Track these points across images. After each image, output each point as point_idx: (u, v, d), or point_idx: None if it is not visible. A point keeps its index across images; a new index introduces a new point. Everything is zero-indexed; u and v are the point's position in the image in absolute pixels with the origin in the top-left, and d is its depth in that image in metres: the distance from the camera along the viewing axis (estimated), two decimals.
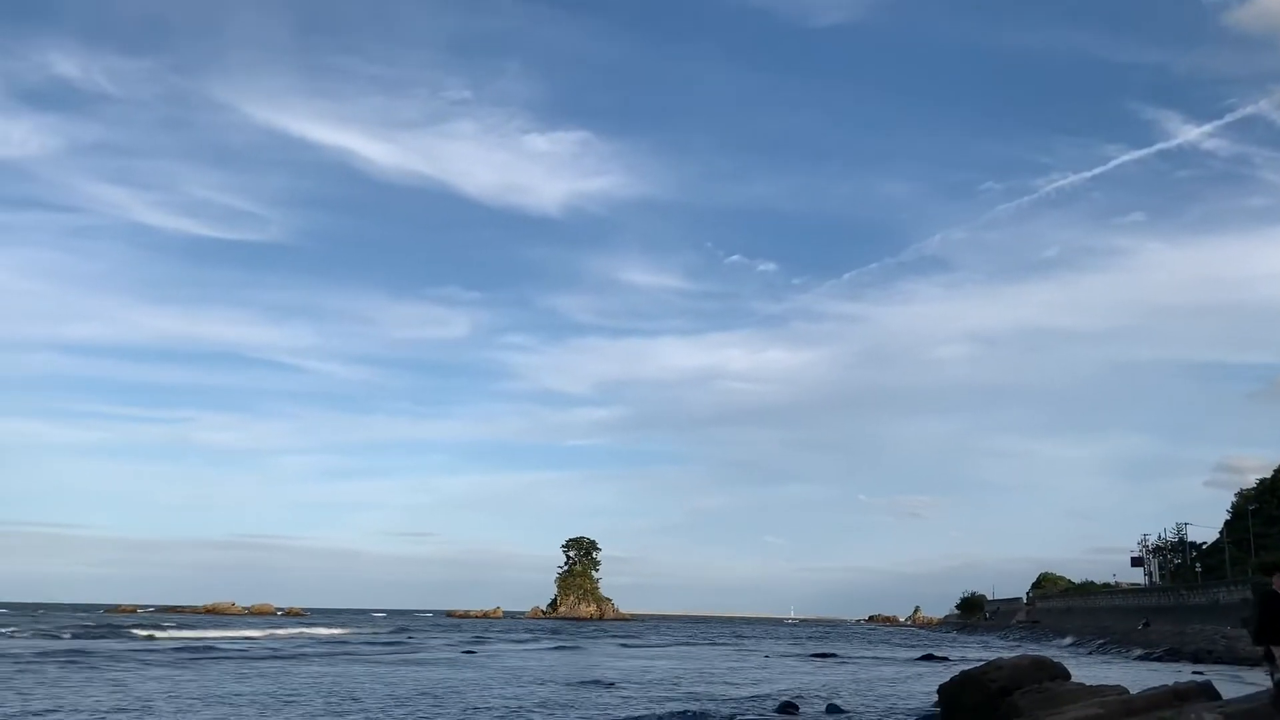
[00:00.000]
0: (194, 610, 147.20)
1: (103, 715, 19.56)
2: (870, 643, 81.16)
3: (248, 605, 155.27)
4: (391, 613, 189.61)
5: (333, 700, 23.10)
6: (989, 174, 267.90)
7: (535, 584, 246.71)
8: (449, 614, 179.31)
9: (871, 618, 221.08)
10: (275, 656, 40.98)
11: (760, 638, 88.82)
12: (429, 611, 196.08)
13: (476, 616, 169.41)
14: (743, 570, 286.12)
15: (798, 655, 53.74)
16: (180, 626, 73.22)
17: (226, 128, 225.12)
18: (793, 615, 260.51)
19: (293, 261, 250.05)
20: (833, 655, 53.37)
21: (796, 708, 22.76)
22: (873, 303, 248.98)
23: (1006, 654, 27.34)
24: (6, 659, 35.46)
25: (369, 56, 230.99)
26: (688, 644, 68.88)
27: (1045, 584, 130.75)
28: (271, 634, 66.67)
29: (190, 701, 22.19)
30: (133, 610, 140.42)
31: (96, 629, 64.91)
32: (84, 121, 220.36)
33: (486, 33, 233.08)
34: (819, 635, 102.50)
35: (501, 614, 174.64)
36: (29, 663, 33.84)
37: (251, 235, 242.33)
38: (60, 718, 19.18)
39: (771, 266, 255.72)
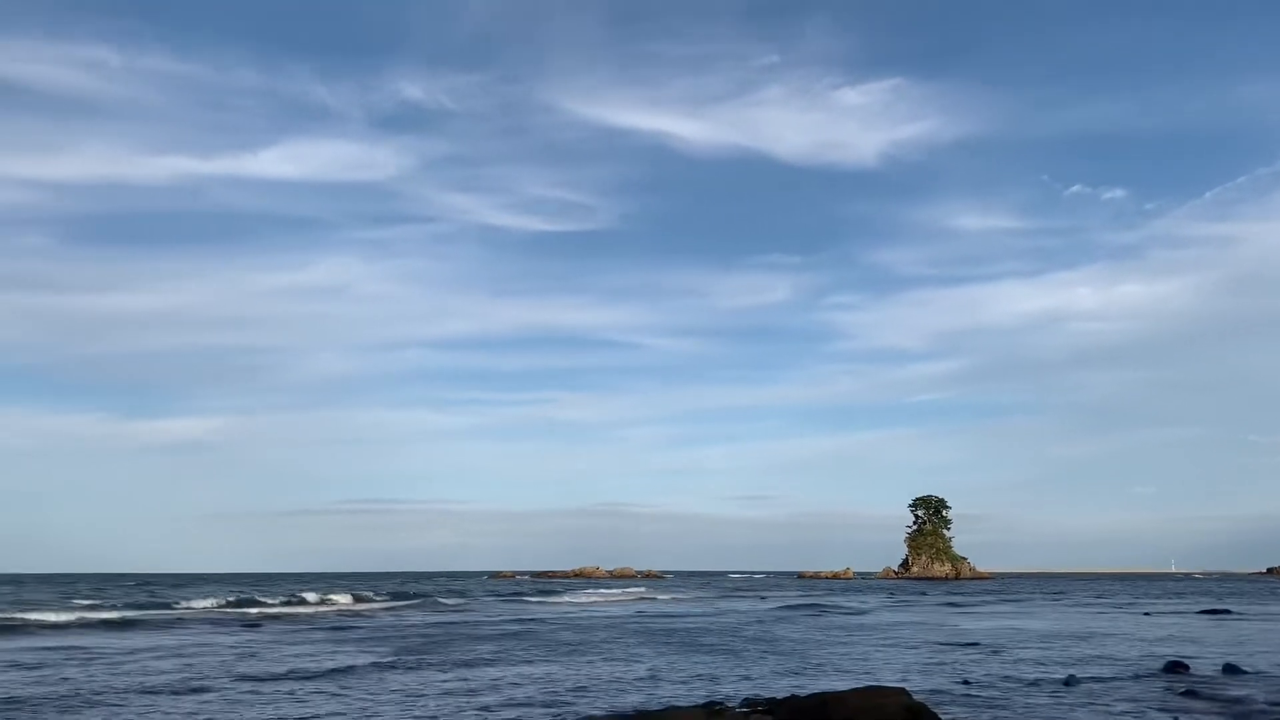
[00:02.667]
0: (563, 575, 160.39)
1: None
2: (1274, 597, 73.11)
3: (610, 569, 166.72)
4: (762, 574, 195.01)
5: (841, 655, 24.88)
6: None
7: (883, 544, 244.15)
8: (799, 575, 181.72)
9: (1270, 570, 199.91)
10: (760, 620, 43.97)
11: (1136, 594, 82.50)
12: (786, 573, 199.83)
13: (827, 577, 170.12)
14: (1108, 523, 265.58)
15: (1183, 612, 49.66)
16: (615, 588, 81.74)
17: (553, 127, 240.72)
18: (1174, 569, 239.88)
19: (622, 245, 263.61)
20: (1226, 611, 48.83)
21: (1186, 667, 21.34)
22: (1245, 220, 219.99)
23: None
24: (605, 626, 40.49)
25: (676, 38, 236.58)
26: (1056, 601, 65.56)
27: None
28: (697, 596, 74.12)
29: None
30: (511, 576, 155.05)
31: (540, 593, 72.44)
32: (432, 138, 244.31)
33: None
34: (1207, 590, 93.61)
35: (852, 575, 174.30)
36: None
37: (584, 225, 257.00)
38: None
39: (1119, 193, 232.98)
